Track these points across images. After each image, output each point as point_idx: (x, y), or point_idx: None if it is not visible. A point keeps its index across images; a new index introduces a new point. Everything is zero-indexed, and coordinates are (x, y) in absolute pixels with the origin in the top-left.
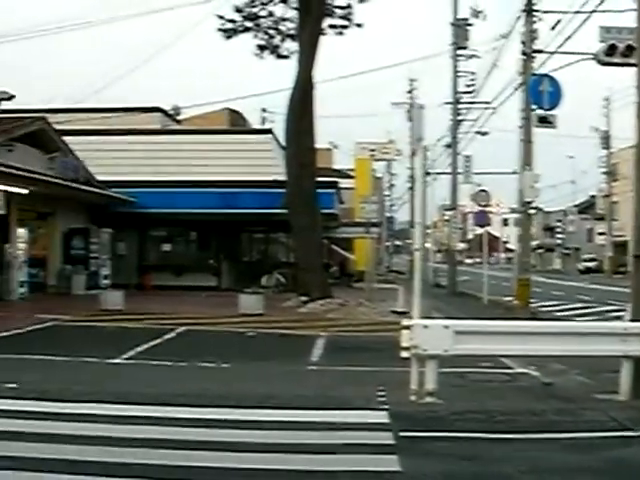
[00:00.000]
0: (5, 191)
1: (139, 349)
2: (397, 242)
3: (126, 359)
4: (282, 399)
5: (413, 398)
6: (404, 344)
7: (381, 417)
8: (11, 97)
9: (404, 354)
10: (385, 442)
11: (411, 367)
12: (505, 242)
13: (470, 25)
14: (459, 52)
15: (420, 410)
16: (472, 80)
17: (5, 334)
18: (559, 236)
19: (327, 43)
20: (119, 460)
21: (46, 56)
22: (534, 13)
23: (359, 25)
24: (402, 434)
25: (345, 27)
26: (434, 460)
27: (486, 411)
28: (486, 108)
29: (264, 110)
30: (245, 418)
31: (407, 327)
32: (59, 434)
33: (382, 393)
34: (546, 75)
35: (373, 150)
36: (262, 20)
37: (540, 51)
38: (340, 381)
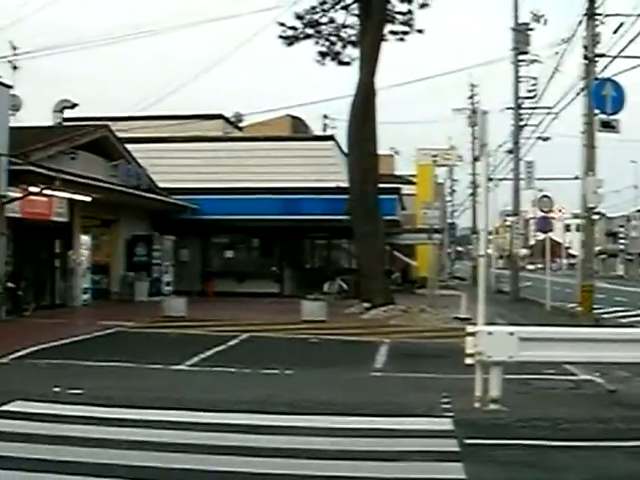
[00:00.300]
0: (68, 199)
1: (202, 356)
2: (459, 248)
3: (190, 366)
4: (346, 406)
5: (477, 405)
6: (468, 351)
7: (445, 424)
8: (74, 105)
9: (468, 361)
10: (450, 449)
11: (475, 374)
12: (567, 248)
13: (531, 30)
14: (520, 57)
15: (484, 417)
16: (534, 85)
17: (69, 340)
18: (622, 242)
19: (388, 49)
20: (181, 466)
21: (109, 65)
22: (596, 17)
23: (420, 31)
24: (467, 441)
25: (406, 33)
26: (498, 467)
27: (551, 418)
28: (548, 113)
29: (326, 116)
30: (309, 425)
31: (471, 334)
32: (124, 440)
33: (446, 400)
34: (609, 79)
35: (435, 156)
36: (323, 27)
37: (602, 55)
38: (404, 388)
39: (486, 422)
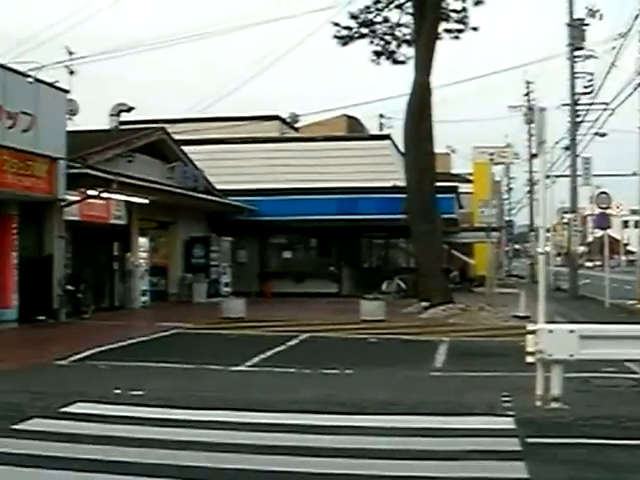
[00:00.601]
0: (126, 201)
1: (262, 356)
2: (516, 246)
3: (250, 366)
4: (406, 405)
5: (538, 404)
6: (529, 349)
7: (507, 423)
8: (130, 109)
9: (529, 359)
10: (512, 448)
11: (536, 372)
12: (625, 245)
13: (586, 25)
14: (576, 53)
15: (546, 416)
16: (590, 81)
17: (129, 342)
18: None
19: (443, 47)
20: (242, 467)
21: (165, 69)
22: None
23: (475, 29)
24: (528, 440)
25: (461, 31)
26: (561, 466)
27: (613, 417)
28: (605, 109)
29: (381, 116)
30: (368, 424)
31: (532, 332)
32: (184, 441)
33: (507, 399)
34: None
35: (491, 154)
36: (378, 26)
37: None
38: (464, 387)
39: (547, 421)
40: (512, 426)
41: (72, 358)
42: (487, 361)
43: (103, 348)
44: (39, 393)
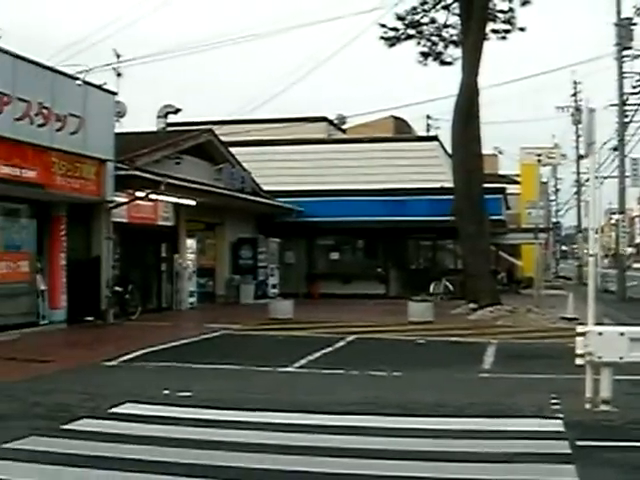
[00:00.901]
0: (174, 203)
1: (310, 357)
2: (563, 247)
3: (298, 368)
4: (454, 407)
5: (588, 406)
6: (578, 351)
7: (556, 425)
8: (177, 110)
9: (578, 361)
10: (561, 451)
11: (585, 375)
12: None
13: (634, 25)
14: (624, 53)
15: (595, 418)
16: (638, 81)
17: (177, 343)
18: None
19: (490, 48)
20: (294, 468)
21: (212, 69)
22: None
23: (522, 29)
24: (578, 443)
25: (508, 31)
26: (611, 470)
27: None
28: None
29: (429, 117)
30: (417, 426)
31: (581, 334)
32: (234, 442)
33: (556, 401)
34: None
35: (539, 155)
36: (424, 27)
37: None
38: (513, 389)
39: (597, 423)
40: (561, 429)
41: (121, 359)
42: (535, 363)
43: (151, 349)
44: (88, 394)
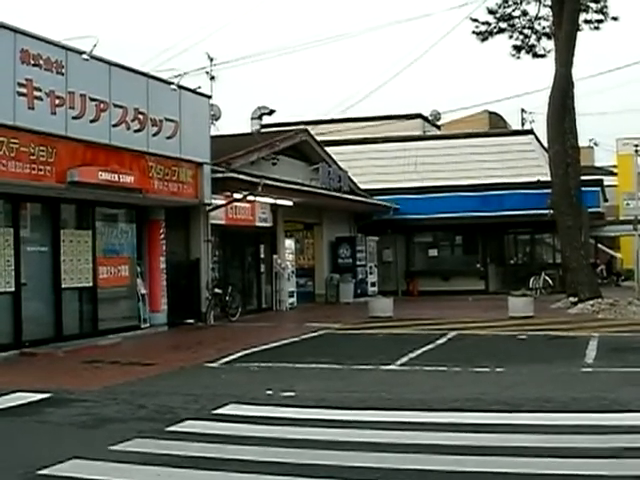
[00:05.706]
0: (271, 204)
1: (412, 355)
2: None
3: (400, 365)
4: (558, 402)
5: None
6: None
7: None
8: (272, 112)
9: None
10: None
11: None
12: None
13: None
14: None
15: None
16: None
17: (278, 344)
18: None
19: (583, 38)
20: (396, 466)
21: (305, 70)
22: None
23: (615, 18)
24: None
25: (600, 21)
26: None
27: None
28: None
29: (523, 110)
30: (523, 422)
31: None
32: (339, 441)
33: None
34: None
35: (636, 145)
36: (516, 20)
37: None
38: (617, 383)
39: None
40: None
41: (222, 360)
42: (639, 356)
43: (253, 350)
44: (191, 395)
